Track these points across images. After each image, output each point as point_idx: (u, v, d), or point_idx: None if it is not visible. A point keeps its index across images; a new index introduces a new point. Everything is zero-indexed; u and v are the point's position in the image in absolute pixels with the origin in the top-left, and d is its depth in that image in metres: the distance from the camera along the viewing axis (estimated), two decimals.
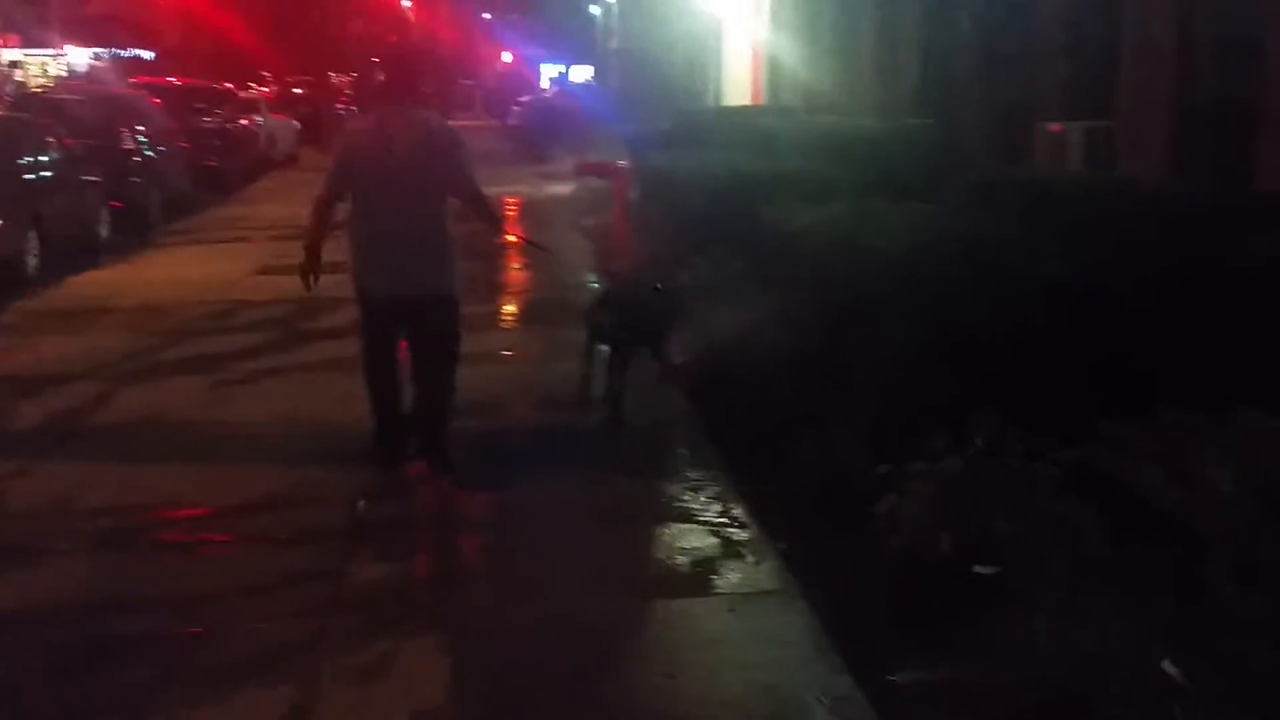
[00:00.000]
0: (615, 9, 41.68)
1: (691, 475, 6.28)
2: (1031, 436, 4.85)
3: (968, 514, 4.64)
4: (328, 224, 6.35)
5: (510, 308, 11.27)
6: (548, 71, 59.81)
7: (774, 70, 20.85)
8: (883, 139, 12.01)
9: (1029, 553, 4.35)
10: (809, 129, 12.74)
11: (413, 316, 6.25)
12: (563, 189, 20.50)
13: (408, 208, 6.13)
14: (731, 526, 5.56)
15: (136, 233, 15.30)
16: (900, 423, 5.35)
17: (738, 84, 23.85)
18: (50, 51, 38.15)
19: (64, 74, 36.37)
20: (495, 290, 11.91)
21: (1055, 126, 9.68)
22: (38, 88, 27.61)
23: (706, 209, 10.53)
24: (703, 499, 5.95)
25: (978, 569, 4.36)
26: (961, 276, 5.90)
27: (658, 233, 12.41)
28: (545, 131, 28.88)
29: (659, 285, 8.16)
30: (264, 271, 12.82)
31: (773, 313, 7.77)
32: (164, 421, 7.37)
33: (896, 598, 4.52)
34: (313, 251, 6.30)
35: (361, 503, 5.98)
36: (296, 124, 29.53)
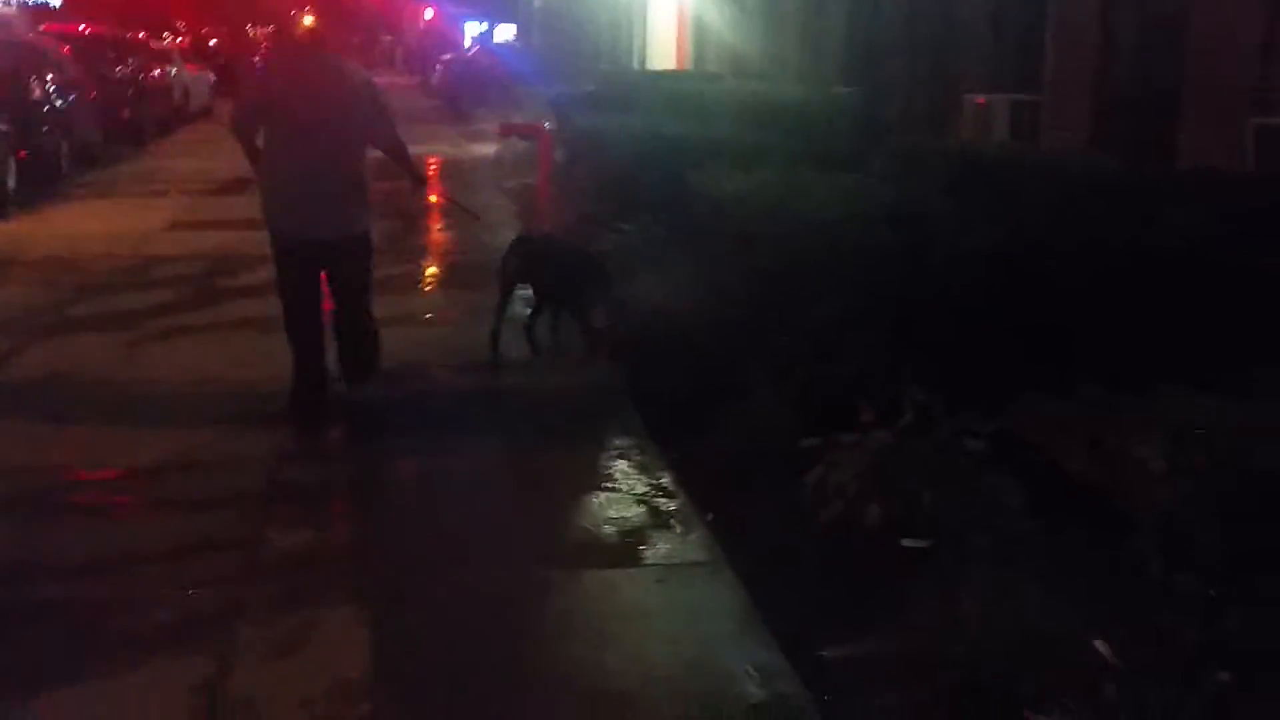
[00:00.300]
0: None
1: (618, 443, 6.22)
2: (960, 409, 4.86)
3: (895, 487, 4.63)
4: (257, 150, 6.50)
5: (432, 270, 11.10)
6: (470, 30, 59.06)
7: (700, 35, 20.75)
8: (808, 106, 12.01)
9: (956, 527, 4.35)
10: (735, 95, 12.68)
11: (329, 259, 6.40)
12: (486, 149, 20.23)
13: (326, 152, 6.22)
14: (659, 496, 5.50)
15: (45, 184, 14.84)
16: (828, 393, 5.33)
17: (663, 48, 23.71)
18: None
19: None
20: (417, 252, 11.74)
21: (980, 98, 9.69)
22: None
23: (632, 173, 10.43)
24: (628, 467, 5.89)
25: (906, 542, 4.34)
26: (889, 245, 5.91)
27: (583, 196, 12.28)
28: (468, 91, 28.52)
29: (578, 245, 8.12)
30: (178, 226, 12.53)
31: (700, 280, 7.71)
32: (74, 379, 7.15)
33: (826, 570, 4.50)
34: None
35: (276, 464, 5.85)
36: (212, 76, 28.90)
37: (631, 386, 7.09)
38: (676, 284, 8.26)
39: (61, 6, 40.36)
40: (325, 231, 6.29)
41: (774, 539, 4.84)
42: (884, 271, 5.74)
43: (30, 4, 40.66)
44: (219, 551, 4.88)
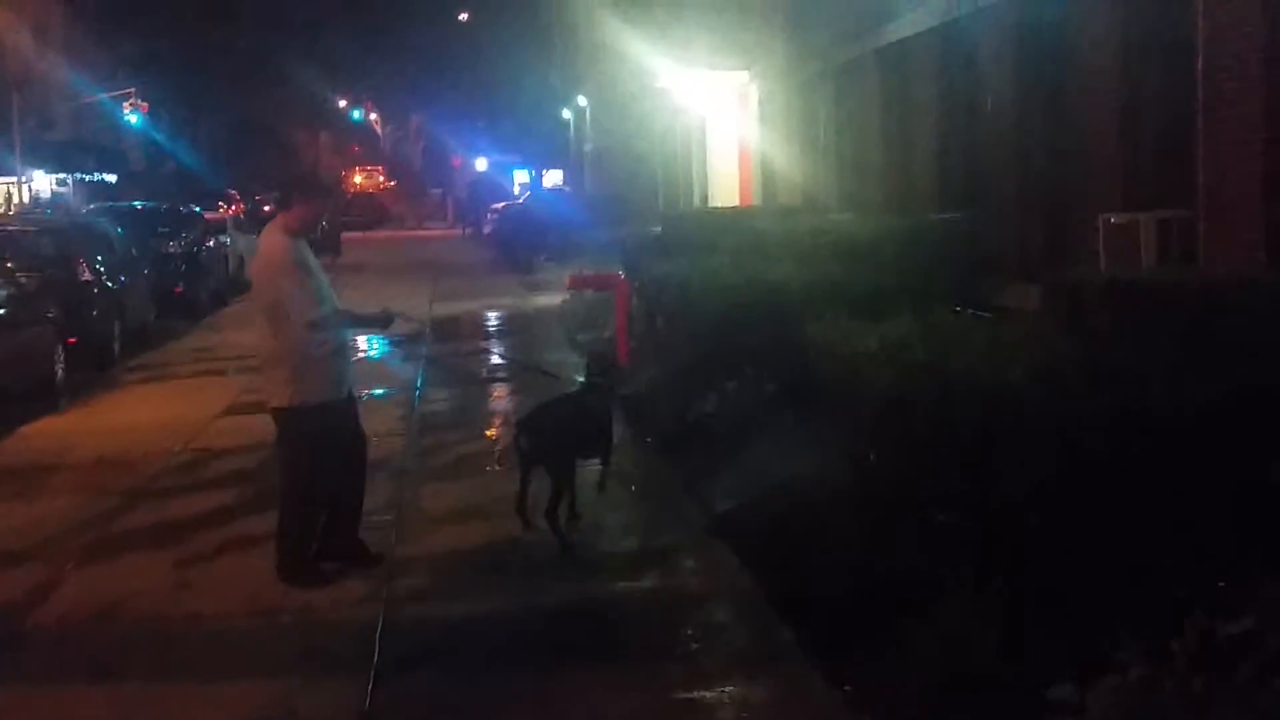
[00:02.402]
0: (588, 111, 41.10)
1: (769, 675, 5.03)
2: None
3: None
4: None
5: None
6: (518, 177, 59.24)
7: (766, 169, 19.97)
8: (908, 237, 11.01)
9: None
10: (823, 230, 11.72)
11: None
12: (550, 300, 19.44)
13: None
14: None
15: (96, 369, 14.12)
16: (1060, 610, 4.21)
17: (725, 184, 22.99)
18: (12, 178, 37.10)
19: (25, 202, 35.31)
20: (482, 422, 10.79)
21: (1118, 217, 8.64)
22: None
23: (727, 324, 9.42)
24: (792, 708, 4.74)
25: None
26: (1090, 407, 4.80)
27: (668, 351, 11.29)
28: (523, 239, 27.92)
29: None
30: (232, 411, 11.62)
31: (833, 450, 6.64)
32: (119, 618, 6.13)
33: None
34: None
35: None
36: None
37: (765, 587, 5.93)
38: (802, 454, 7.19)
39: (119, 182, 40.74)
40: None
41: None
42: (1093, 440, 4.64)
43: (89, 180, 41.09)
44: None
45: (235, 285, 23.96)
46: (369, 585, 6.33)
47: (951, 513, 5.16)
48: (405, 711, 5.00)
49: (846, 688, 4.81)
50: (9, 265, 13.14)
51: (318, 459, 6.33)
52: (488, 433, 10.39)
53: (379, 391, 12.39)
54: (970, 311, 7.25)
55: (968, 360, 5.55)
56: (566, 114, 47.00)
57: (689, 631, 5.63)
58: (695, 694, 4.90)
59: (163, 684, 5.28)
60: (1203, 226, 7.98)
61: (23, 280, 12.94)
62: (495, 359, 14.43)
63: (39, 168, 38.95)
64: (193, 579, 6.66)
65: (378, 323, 7.00)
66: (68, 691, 5.26)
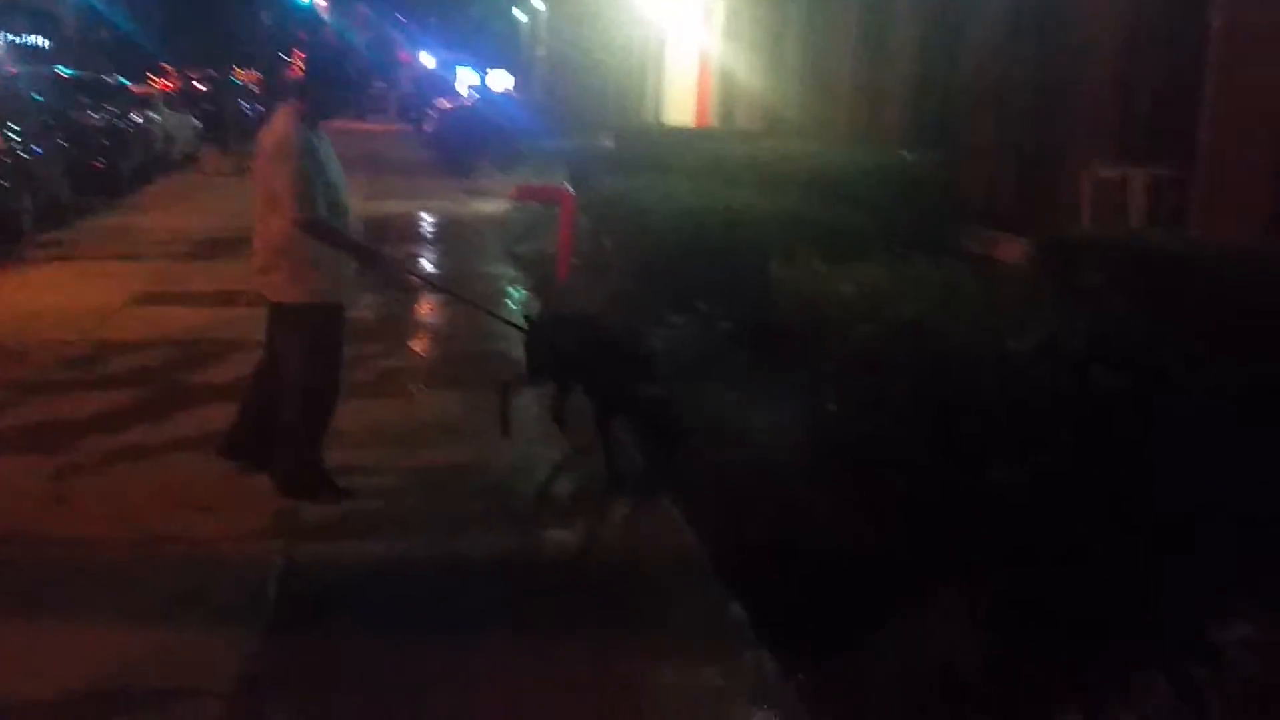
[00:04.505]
0: (544, 15, 39.79)
1: (717, 662, 4.45)
2: None
3: None
4: None
5: (429, 363, 9.38)
6: (465, 77, 57.66)
7: (726, 88, 19.17)
8: (877, 174, 10.37)
9: None
10: (790, 159, 11.05)
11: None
12: (491, 208, 18.62)
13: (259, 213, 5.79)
14: None
15: (4, 243, 13.15)
16: (1062, 618, 3.65)
17: (681, 102, 22.15)
18: None
19: None
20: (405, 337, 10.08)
21: (1106, 170, 8.06)
22: None
23: (680, 252, 8.76)
24: (744, 702, 4.17)
25: None
26: (1107, 389, 4.23)
27: (614, 274, 10.62)
28: (467, 142, 26.86)
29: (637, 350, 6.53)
30: (144, 300, 10.80)
31: (796, 404, 6.05)
32: None
33: None
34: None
35: (236, 692, 4.11)
36: (197, 122, 27.27)
37: (716, 557, 5.33)
38: (758, 404, 6.60)
39: (51, 47, 38.87)
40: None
41: None
42: (1104, 426, 4.08)
43: (19, 43, 39.15)
44: None
45: (161, 163, 22.87)
46: (271, 518, 5.67)
47: (932, 489, 4.59)
48: (301, 668, 4.35)
49: (801, 678, 4.25)
50: None
51: (321, 359, 5.75)
52: (413, 346, 9.69)
53: None
54: (948, 260, 6.63)
55: (959, 321, 4.97)
56: (521, 16, 45.61)
57: (625, 598, 5.04)
58: (629, 671, 4.32)
59: (18, 620, 4.59)
60: (1200, 189, 7.42)
61: None
62: (429, 267, 13.67)
63: None
64: (72, 493, 5.92)
65: (362, 258, 5.90)
66: None
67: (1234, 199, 7.15)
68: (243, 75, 44.27)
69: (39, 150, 15.36)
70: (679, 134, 15.99)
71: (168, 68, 38.79)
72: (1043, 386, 4.17)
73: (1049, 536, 3.96)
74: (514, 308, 10.77)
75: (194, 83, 34.51)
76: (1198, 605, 3.74)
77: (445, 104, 36.41)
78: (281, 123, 5.74)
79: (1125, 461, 3.99)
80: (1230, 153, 7.20)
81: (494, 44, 51.96)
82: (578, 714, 4.07)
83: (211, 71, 36.42)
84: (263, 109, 33.64)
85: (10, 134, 14.62)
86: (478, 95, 41.66)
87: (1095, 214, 8.06)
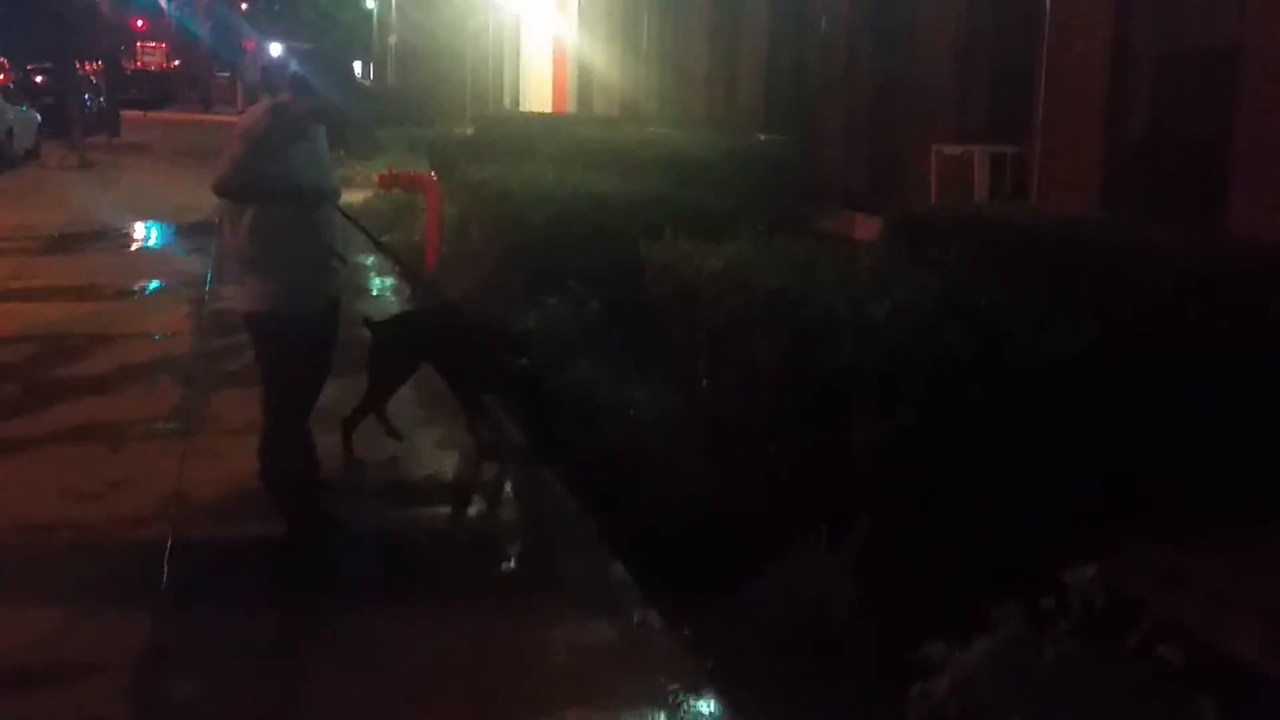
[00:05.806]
0: (393, 2, 39.44)
1: (605, 615, 4.68)
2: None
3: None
4: None
5: None
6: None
7: (583, 75, 19.36)
8: (736, 158, 10.70)
9: None
10: (650, 144, 11.31)
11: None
12: (350, 196, 18.48)
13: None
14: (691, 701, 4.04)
15: None
16: (922, 566, 3.96)
17: (538, 89, 22.27)
18: None
19: None
20: None
21: (953, 149, 8.50)
22: None
23: (550, 236, 8.95)
24: (632, 656, 4.40)
25: None
26: (962, 348, 4.57)
27: (482, 260, 10.74)
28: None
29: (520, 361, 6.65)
30: (1, 296, 10.60)
31: (668, 375, 6.30)
32: None
33: None
34: None
35: (141, 667, 4.21)
36: (38, 115, 26.47)
37: (599, 523, 5.55)
38: (631, 377, 6.84)
39: None
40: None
41: None
42: (959, 384, 4.41)
43: None
44: None
45: (2, 157, 22.21)
46: (154, 503, 5.73)
47: (796, 451, 4.88)
48: (192, 648, 4.43)
49: (685, 631, 4.51)
50: None
51: (280, 369, 5.35)
52: None
53: (159, 284, 11.61)
54: (807, 240, 6.95)
55: (822, 289, 5.26)
56: (370, 3, 45.08)
57: (513, 565, 5.25)
58: (521, 634, 4.52)
59: None
60: (1039, 163, 7.89)
61: None
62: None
63: None
64: None
65: (291, 196, 5.33)
66: None
67: (1070, 172, 7.61)
68: (84, 67, 42.93)
69: None
70: (539, 121, 16.14)
71: (3, 60, 37.48)
72: (900, 347, 4.48)
73: (911, 487, 4.27)
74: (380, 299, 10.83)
75: (31, 76, 33.46)
76: (1046, 546, 4.09)
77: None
78: (251, 109, 5.54)
79: (978, 415, 4.33)
80: (1064, 129, 7.67)
81: (345, 34, 51.17)
82: (470, 673, 4.25)
83: (48, 64, 35.26)
84: (104, 102, 32.76)
85: None
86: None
87: (942, 191, 8.47)
